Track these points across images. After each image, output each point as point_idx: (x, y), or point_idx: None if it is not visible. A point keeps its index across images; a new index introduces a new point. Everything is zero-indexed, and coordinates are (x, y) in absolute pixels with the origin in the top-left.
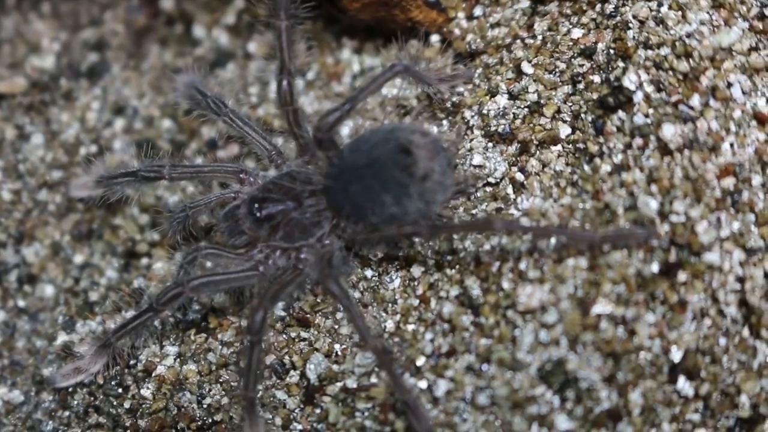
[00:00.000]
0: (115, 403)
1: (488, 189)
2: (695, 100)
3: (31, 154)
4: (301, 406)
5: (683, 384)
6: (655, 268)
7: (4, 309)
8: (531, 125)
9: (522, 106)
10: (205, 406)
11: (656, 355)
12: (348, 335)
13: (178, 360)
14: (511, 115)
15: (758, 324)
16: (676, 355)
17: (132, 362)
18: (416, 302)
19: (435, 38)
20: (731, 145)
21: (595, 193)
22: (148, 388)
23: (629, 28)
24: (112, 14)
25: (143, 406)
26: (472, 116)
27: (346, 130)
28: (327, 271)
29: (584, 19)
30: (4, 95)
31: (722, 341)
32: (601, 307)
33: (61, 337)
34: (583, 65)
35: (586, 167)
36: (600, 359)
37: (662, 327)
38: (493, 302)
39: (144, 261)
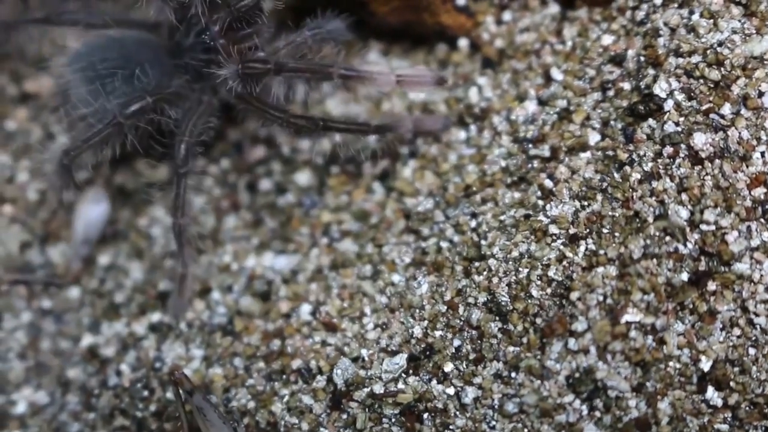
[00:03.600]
0: (140, 405)
1: (516, 195)
2: (726, 109)
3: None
4: (328, 411)
5: (712, 394)
6: (684, 277)
7: (30, 310)
8: (560, 132)
9: (551, 113)
10: (231, 409)
11: (685, 364)
12: (375, 340)
13: (204, 363)
14: (540, 122)
15: None
16: (706, 364)
17: (158, 365)
18: (444, 308)
19: (463, 42)
20: (762, 154)
21: (625, 201)
22: (174, 391)
23: (660, 36)
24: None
25: (169, 409)
26: (501, 122)
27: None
28: None
29: (614, 26)
30: (30, 95)
31: (752, 351)
32: (631, 316)
33: (87, 339)
34: (612, 72)
35: (616, 175)
36: (629, 368)
37: (691, 336)
38: (522, 309)
39: (169, 263)
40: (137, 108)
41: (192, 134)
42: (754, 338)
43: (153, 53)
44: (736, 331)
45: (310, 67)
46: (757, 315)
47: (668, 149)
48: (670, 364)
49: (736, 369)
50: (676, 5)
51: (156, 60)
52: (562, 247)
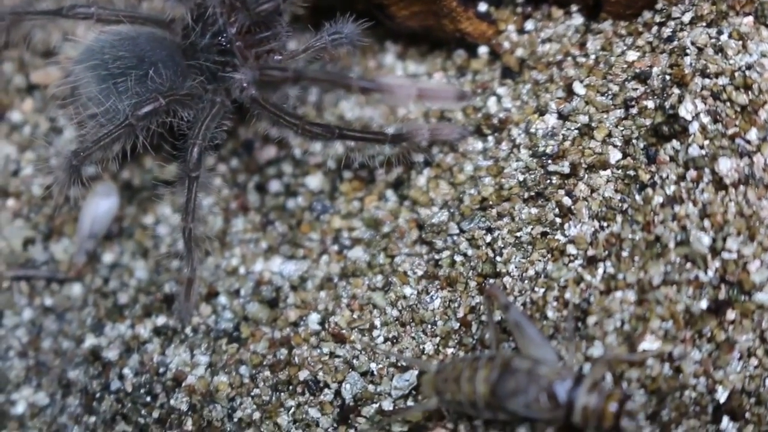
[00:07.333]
0: (143, 411)
1: (533, 211)
2: (753, 134)
3: (64, 148)
4: (335, 425)
5: (727, 424)
6: (704, 305)
7: (31, 307)
8: (580, 148)
9: (572, 128)
10: (235, 420)
11: (701, 393)
12: (385, 354)
13: (209, 370)
14: (560, 136)
15: None
16: (722, 394)
17: (162, 370)
18: (457, 325)
19: (483, 50)
20: None
21: (646, 225)
22: (177, 398)
23: (687, 54)
24: (148, 4)
25: (172, 416)
26: (519, 134)
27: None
28: None
29: (640, 41)
30: (37, 86)
31: None
32: (649, 343)
33: (89, 340)
34: (636, 89)
35: (637, 197)
36: (644, 396)
37: (708, 366)
38: None
39: (175, 264)
40: (150, 110)
41: (205, 138)
42: None
43: (166, 52)
44: (754, 362)
45: (330, 78)
46: None
47: (692, 173)
48: (686, 392)
49: (752, 400)
50: (704, 24)
51: (169, 60)
52: (579, 268)
